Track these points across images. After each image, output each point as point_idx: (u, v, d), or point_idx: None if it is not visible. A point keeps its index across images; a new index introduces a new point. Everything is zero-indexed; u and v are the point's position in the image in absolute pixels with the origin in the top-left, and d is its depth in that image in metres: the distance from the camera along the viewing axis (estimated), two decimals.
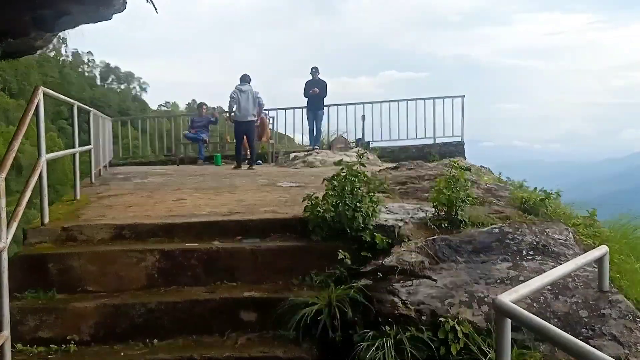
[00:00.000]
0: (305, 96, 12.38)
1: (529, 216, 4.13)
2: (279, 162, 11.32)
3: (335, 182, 4.09)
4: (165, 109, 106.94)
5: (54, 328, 3.21)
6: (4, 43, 6.96)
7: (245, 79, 10.26)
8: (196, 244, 3.85)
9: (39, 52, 9.46)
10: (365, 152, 9.47)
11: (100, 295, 3.49)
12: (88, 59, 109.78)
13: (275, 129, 12.75)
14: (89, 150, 7.78)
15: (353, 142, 12.66)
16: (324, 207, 3.99)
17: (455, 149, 12.17)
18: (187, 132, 12.41)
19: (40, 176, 3.92)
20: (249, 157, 11.29)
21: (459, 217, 3.82)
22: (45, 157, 4.02)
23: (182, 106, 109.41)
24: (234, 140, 12.10)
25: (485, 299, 2.85)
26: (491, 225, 3.75)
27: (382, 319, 2.95)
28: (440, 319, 2.77)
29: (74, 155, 5.80)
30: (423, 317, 2.84)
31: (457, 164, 4.17)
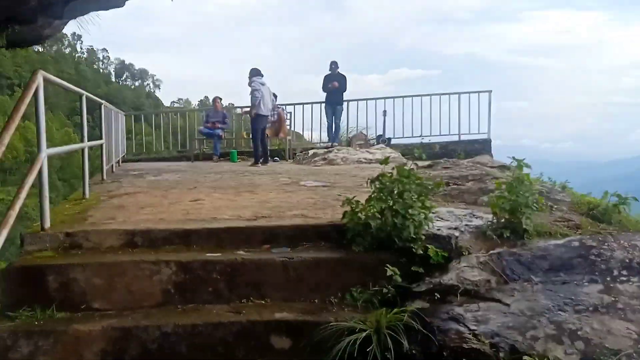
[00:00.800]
0: (324, 90, 11.87)
1: (601, 225, 3.56)
2: (296, 159, 10.80)
3: (382, 184, 3.54)
4: (178, 105, 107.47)
5: (51, 355, 2.71)
6: (9, 30, 6.50)
7: (259, 73, 9.73)
8: (218, 254, 3.33)
9: (47, 42, 9.01)
10: (392, 151, 8.94)
11: (108, 314, 2.98)
12: (103, 56, 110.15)
13: (292, 126, 12.23)
14: (101, 146, 7.34)
15: (373, 139, 12.12)
16: (367, 213, 3.46)
17: (482, 147, 11.58)
18: (201, 127, 11.93)
19: (40, 173, 3.44)
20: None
21: (523, 226, 3.26)
22: (46, 152, 3.53)
23: (194, 103, 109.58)
24: (250, 137, 11.65)
25: (579, 332, 2.31)
26: (563, 236, 3.19)
27: (447, 353, 2.41)
28: (524, 357, 2.23)
29: (82, 150, 5.32)
30: (501, 354, 2.30)
31: (521, 162, 3.60)
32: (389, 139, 11.69)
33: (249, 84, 9.51)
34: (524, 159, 3.62)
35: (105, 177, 7.24)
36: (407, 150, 11.41)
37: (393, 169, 3.64)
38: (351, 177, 6.69)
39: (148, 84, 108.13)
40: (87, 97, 5.92)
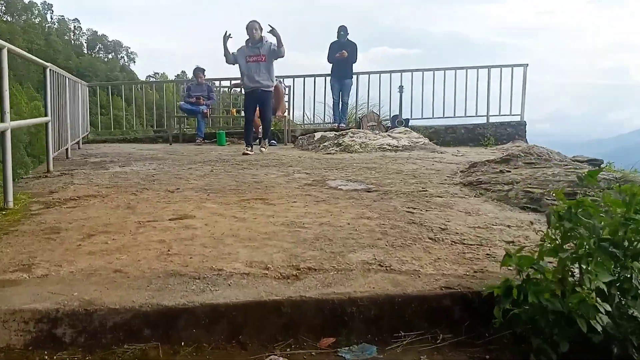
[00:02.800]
0: (329, 61, 9.94)
1: None
2: (298, 143, 8.92)
3: (573, 220, 1.71)
4: (154, 80, 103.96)
5: None
6: None
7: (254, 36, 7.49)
8: None
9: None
10: (419, 136, 7.14)
11: None
12: (74, 27, 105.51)
13: (292, 101, 10.30)
14: (45, 125, 5.39)
15: (387, 120, 10.29)
16: (548, 282, 1.66)
17: (515, 130, 9.88)
18: (182, 102, 9.92)
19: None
20: (260, 135, 8.93)
21: None
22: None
23: (171, 77, 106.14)
24: (242, 115, 9.73)
25: None
26: None
27: None
28: None
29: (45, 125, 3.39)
30: None
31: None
32: (407, 120, 9.88)
33: None
34: None
35: (52, 167, 5.30)
36: (430, 134, 9.65)
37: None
38: (394, 175, 4.88)
39: (122, 57, 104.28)
40: (52, 70, 4.00)
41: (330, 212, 3.23)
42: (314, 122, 10.78)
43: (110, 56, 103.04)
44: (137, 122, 11.25)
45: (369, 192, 3.98)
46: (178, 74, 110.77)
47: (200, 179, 4.76)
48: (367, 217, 3.07)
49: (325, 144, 8.01)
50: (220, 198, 3.76)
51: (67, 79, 6.62)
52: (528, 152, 4.98)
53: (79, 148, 8.13)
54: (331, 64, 10.00)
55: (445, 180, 4.52)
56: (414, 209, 3.26)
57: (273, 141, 9.46)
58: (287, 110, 9.95)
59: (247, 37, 7.31)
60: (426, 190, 3.94)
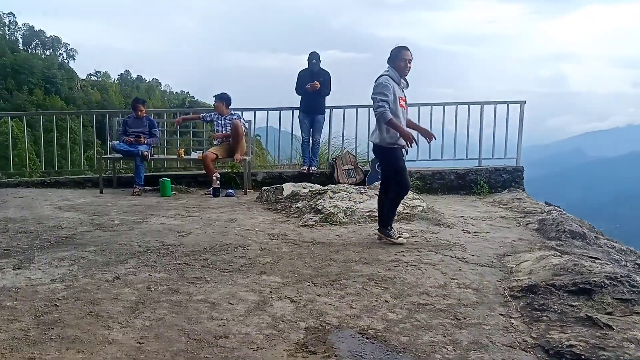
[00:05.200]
0: (298, 92, 8.36)
1: None
2: (263, 196, 7.26)
3: None
4: (95, 78, 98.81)
5: None
6: None
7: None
8: None
9: None
10: (415, 196, 5.72)
11: None
12: (9, 21, 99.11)
13: (251, 137, 8.60)
14: None
15: (367, 162, 8.79)
16: None
17: (511, 177, 8.60)
18: (116, 142, 8.03)
19: None
20: (217, 184, 7.32)
21: None
22: None
23: (113, 76, 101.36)
24: (191, 156, 8.07)
25: None
26: None
27: None
28: None
29: None
30: None
31: None
32: None
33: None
34: None
35: None
36: (416, 180, 8.23)
37: None
38: (419, 305, 3.30)
39: (61, 54, 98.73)
40: None
41: None
42: (279, 161, 9.12)
43: (48, 53, 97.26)
44: (56, 159, 9.22)
45: None
46: (122, 73, 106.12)
47: (130, 318, 3.04)
48: None
49: (299, 205, 6.39)
50: None
51: None
52: (564, 231, 3.55)
53: None
54: (300, 96, 8.42)
55: (503, 326, 3.02)
56: None
57: (230, 190, 7.77)
58: (247, 151, 8.26)
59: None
60: None
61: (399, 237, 4.88)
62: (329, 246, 4.79)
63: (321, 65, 8.36)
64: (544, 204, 7.60)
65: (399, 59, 4.83)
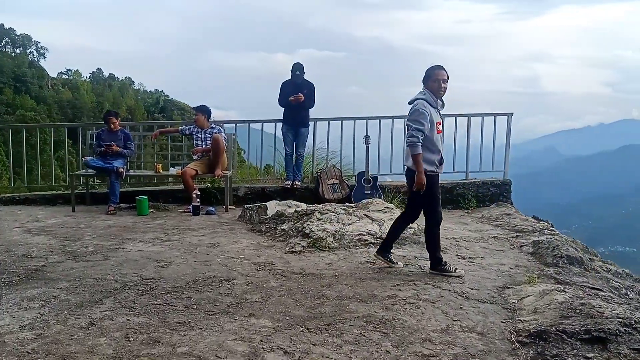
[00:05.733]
0: (281, 104, 8.07)
1: None
2: (246, 215, 6.96)
3: None
4: (66, 77, 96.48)
5: None
6: None
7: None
8: None
9: None
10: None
11: None
12: None
13: (231, 151, 8.26)
14: None
15: (352, 176, 8.55)
16: None
17: (499, 191, 8.45)
18: (89, 158, 7.62)
19: None
20: (197, 201, 7.01)
21: None
22: None
23: (85, 74, 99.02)
24: (170, 172, 7.72)
25: None
26: None
27: None
28: None
29: None
30: None
31: None
32: (375, 177, 8.16)
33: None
34: None
35: None
36: (403, 195, 8.02)
37: None
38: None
39: (31, 52, 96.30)
40: None
41: None
42: (261, 174, 8.80)
43: (18, 51, 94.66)
44: (25, 175, 8.75)
45: None
46: (93, 71, 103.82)
47: None
48: None
49: (285, 227, 6.11)
50: None
51: None
52: (595, 289, 3.35)
53: None
54: (283, 109, 8.13)
55: None
56: None
57: (211, 208, 7.44)
58: (228, 166, 7.93)
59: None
60: None
61: (456, 270, 4.65)
62: (320, 278, 4.52)
63: (305, 78, 8.08)
64: (533, 219, 7.48)
65: (433, 80, 4.54)
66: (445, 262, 4.67)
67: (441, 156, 4.65)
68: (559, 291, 3.95)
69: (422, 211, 4.79)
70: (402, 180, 8.55)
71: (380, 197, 7.87)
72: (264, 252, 5.43)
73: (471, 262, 5.11)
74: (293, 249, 5.43)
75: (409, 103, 4.63)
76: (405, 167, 4.84)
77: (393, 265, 4.74)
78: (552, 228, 6.68)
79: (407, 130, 4.56)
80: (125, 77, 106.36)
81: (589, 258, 5.66)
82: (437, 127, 4.55)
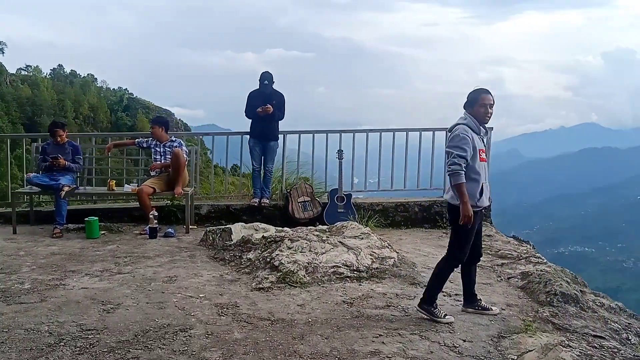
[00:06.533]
0: (248, 116, 7.47)
1: None
2: (208, 239, 6.33)
3: None
4: (26, 73, 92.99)
5: None
6: None
7: None
8: None
9: None
10: (379, 239, 4.99)
11: None
12: None
13: (193, 166, 7.59)
14: None
15: (325, 193, 8.01)
16: None
17: None
18: (31, 175, 6.84)
19: None
20: (154, 223, 6.36)
21: None
22: None
23: (45, 70, 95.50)
24: (124, 190, 7.04)
25: None
26: None
27: None
28: None
29: None
30: None
31: None
32: (348, 195, 7.64)
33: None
34: None
35: None
36: (378, 213, 7.55)
37: None
38: None
39: None
40: None
41: None
42: (226, 191, 8.14)
43: None
44: None
45: None
46: (54, 68, 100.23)
47: None
48: None
49: (251, 257, 5.51)
50: None
51: None
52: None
53: None
54: (250, 120, 7.52)
55: None
56: None
57: (170, 230, 6.78)
58: (189, 182, 7.27)
59: None
60: None
61: (445, 316, 4.12)
62: (291, 327, 3.94)
63: (275, 88, 7.49)
64: (515, 241, 7.12)
65: (479, 104, 4.04)
66: (437, 305, 4.16)
67: (482, 188, 4.09)
68: (564, 346, 3.49)
69: (449, 243, 4.24)
70: (377, 197, 8.11)
71: (354, 217, 7.36)
72: (227, 288, 4.82)
73: (458, 300, 4.62)
74: (260, 285, 4.84)
75: (449, 130, 4.13)
76: (448, 204, 4.21)
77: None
78: (537, 255, 6.30)
79: (447, 157, 4.03)
80: (88, 74, 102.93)
81: (580, 290, 5.28)
82: (480, 155, 4.04)
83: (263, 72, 7.37)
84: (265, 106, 7.22)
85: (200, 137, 7.93)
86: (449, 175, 4.01)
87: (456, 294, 4.79)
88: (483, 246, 6.65)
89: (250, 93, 7.49)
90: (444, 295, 4.75)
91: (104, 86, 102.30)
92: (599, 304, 5.03)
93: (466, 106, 4.12)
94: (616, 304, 5.23)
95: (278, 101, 7.40)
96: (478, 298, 4.43)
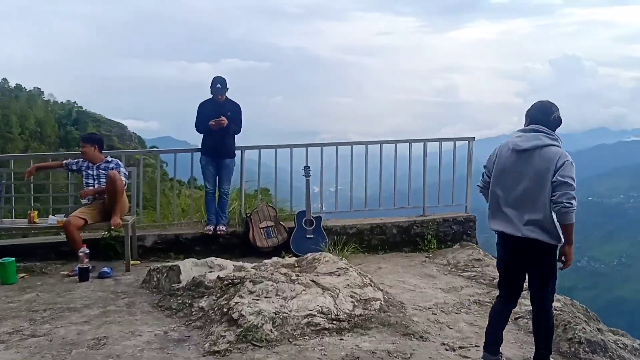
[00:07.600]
0: (199, 130, 6.42)
1: None
2: (152, 281, 5.23)
3: None
4: None
5: None
6: None
7: None
8: None
9: None
10: (357, 272, 4.04)
11: None
12: None
13: (135, 190, 6.45)
14: None
15: (291, 216, 7.02)
16: None
17: (462, 229, 7.22)
18: None
19: None
20: (84, 263, 5.24)
21: None
22: None
23: None
24: (48, 223, 5.89)
25: None
26: None
27: None
28: None
29: None
30: None
31: None
32: (318, 218, 6.66)
33: None
34: None
35: None
36: (352, 237, 6.62)
37: None
38: None
39: None
40: None
41: None
42: (175, 219, 7.01)
43: None
44: None
45: None
46: None
47: None
48: None
49: (204, 305, 4.45)
50: None
51: None
52: None
53: None
54: (202, 135, 6.47)
55: None
56: None
57: (106, 269, 5.64)
58: (130, 210, 6.14)
59: None
60: None
61: None
62: None
63: (228, 95, 6.48)
64: None
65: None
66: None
67: None
68: None
69: (543, 291, 3.41)
70: (350, 219, 7.16)
71: (325, 243, 6.40)
72: (172, 353, 3.74)
73: (465, 357, 3.71)
74: (215, 347, 3.78)
75: (538, 147, 3.28)
76: (539, 242, 3.33)
77: None
78: None
79: (560, 188, 3.17)
80: (34, 88, 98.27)
81: (598, 329, 4.49)
82: None
83: (214, 77, 6.34)
84: (218, 118, 6.19)
85: (142, 156, 6.79)
86: (564, 213, 3.18)
87: (460, 347, 3.88)
88: (476, 276, 5.87)
89: (200, 103, 6.45)
90: (446, 350, 3.84)
91: (51, 100, 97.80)
92: (621, 346, 4.26)
93: (553, 125, 3.33)
94: (638, 343, 4.48)
95: (233, 112, 6.39)
96: (501, 353, 3.55)
